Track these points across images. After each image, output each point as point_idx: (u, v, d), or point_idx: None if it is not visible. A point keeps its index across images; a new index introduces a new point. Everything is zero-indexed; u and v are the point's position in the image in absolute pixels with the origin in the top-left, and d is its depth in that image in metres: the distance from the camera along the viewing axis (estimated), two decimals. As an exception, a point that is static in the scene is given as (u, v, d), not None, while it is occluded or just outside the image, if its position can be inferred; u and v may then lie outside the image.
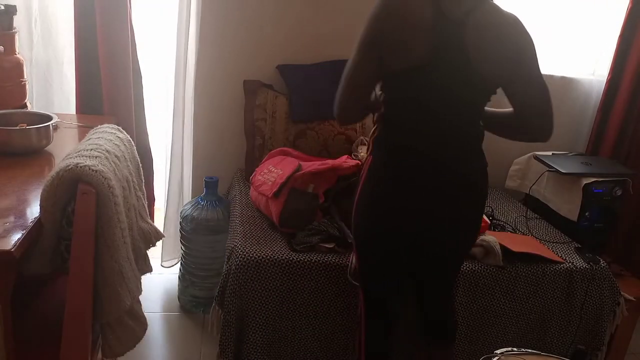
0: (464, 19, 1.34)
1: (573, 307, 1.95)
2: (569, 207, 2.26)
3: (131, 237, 1.40)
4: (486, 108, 1.51)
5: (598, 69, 2.72)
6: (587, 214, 2.22)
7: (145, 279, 1.55)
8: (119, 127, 1.57)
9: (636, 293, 2.13)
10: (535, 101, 1.41)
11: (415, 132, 1.45)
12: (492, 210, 2.25)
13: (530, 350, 1.34)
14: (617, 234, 2.50)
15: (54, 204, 1.20)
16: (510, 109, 1.45)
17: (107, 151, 1.34)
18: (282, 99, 2.31)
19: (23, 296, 1.27)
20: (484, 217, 1.94)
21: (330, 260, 1.79)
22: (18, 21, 1.95)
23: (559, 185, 2.31)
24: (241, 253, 1.75)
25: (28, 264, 1.22)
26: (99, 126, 1.53)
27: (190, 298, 2.34)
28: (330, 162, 1.97)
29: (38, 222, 1.21)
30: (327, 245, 1.82)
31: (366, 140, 1.98)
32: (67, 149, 1.38)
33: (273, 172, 1.99)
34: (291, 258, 1.77)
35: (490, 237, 1.90)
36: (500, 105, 1.51)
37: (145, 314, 1.51)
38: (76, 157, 1.23)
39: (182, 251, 2.35)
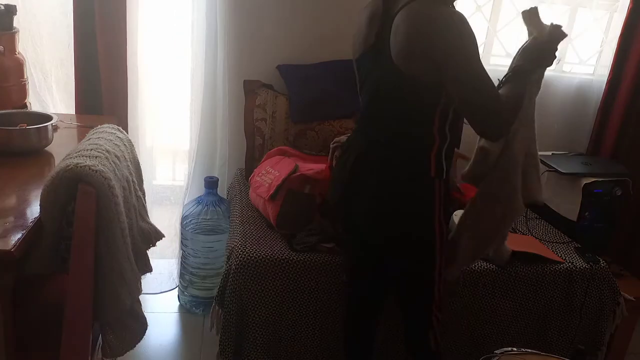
0: None
1: (573, 307, 1.95)
2: (569, 207, 2.26)
3: (131, 237, 1.40)
4: None
5: (598, 69, 2.72)
6: (587, 214, 2.21)
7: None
8: (119, 127, 1.57)
9: (636, 293, 2.13)
10: (469, 104, 1.35)
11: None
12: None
13: (530, 350, 1.34)
14: (617, 234, 2.50)
15: (54, 204, 1.20)
16: None
17: (107, 151, 1.34)
18: (282, 99, 2.31)
19: (23, 296, 1.27)
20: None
21: (330, 260, 1.79)
22: (18, 21, 1.95)
23: (559, 185, 2.31)
24: (241, 253, 1.75)
25: (28, 264, 1.22)
26: (99, 126, 1.53)
27: (190, 298, 2.34)
28: (327, 162, 1.96)
29: (38, 222, 1.21)
30: (327, 245, 1.82)
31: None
32: (67, 149, 1.38)
33: (270, 173, 1.99)
34: (291, 258, 1.77)
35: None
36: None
37: (145, 314, 1.51)
38: (76, 157, 1.23)
39: (182, 251, 2.35)
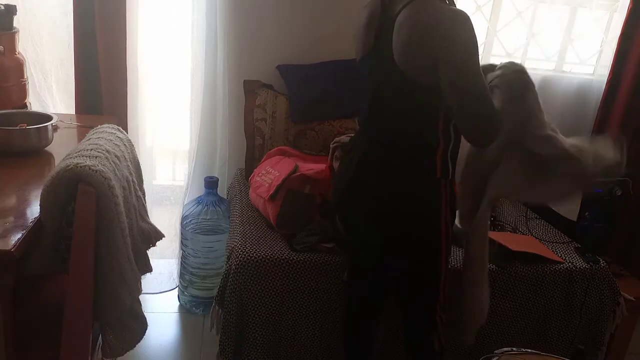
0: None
1: (573, 307, 1.95)
2: (569, 207, 2.26)
3: (131, 237, 1.40)
4: None
5: (598, 69, 2.72)
6: (587, 214, 2.22)
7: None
8: (119, 127, 1.57)
9: (636, 293, 2.13)
10: (461, 108, 1.33)
11: None
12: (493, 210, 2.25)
13: (530, 350, 1.34)
14: (617, 234, 2.50)
15: (54, 204, 1.20)
16: None
17: (107, 151, 1.34)
18: (282, 99, 2.31)
19: (23, 296, 1.27)
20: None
21: (330, 260, 1.79)
22: (18, 21, 1.95)
23: (559, 185, 2.31)
24: (241, 253, 1.75)
25: (28, 264, 1.22)
26: (99, 126, 1.53)
27: (190, 298, 2.34)
28: (327, 162, 1.97)
29: (38, 222, 1.21)
30: (326, 245, 1.82)
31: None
32: (67, 149, 1.38)
33: (270, 173, 1.99)
34: (291, 258, 1.77)
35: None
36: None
37: (145, 314, 1.51)
38: (76, 157, 1.23)
39: (182, 251, 2.35)
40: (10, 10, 1.88)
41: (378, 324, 1.75)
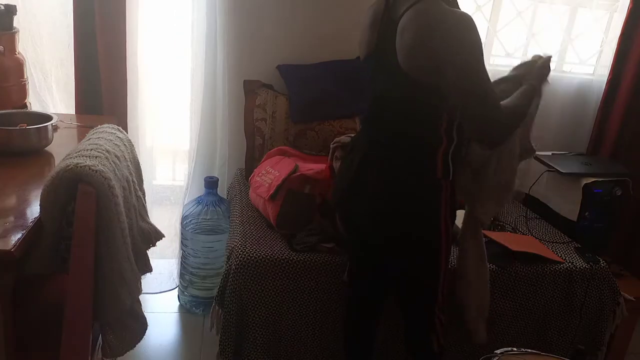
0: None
1: (573, 307, 1.95)
2: (569, 207, 2.26)
3: (131, 237, 1.40)
4: None
5: (598, 69, 2.72)
6: (587, 214, 2.22)
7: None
8: (119, 127, 1.57)
9: (636, 293, 2.13)
10: (466, 109, 1.33)
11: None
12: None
13: (530, 350, 1.34)
14: (617, 234, 2.50)
15: (54, 204, 1.20)
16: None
17: (107, 151, 1.34)
18: (282, 99, 2.31)
19: (23, 296, 1.27)
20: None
21: (330, 260, 1.79)
22: (18, 21, 1.95)
23: (558, 185, 2.31)
24: (241, 253, 1.75)
25: (28, 264, 1.22)
26: (99, 126, 1.53)
27: (190, 298, 2.34)
28: (327, 162, 1.97)
29: (38, 222, 1.21)
30: (327, 245, 1.82)
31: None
32: (67, 149, 1.38)
33: (270, 173, 1.99)
34: (291, 258, 1.77)
35: None
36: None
37: (145, 314, 1.51)
38: (76, 157, 1.23)
39: (182, 251, 2.35)
40: (10, 10, 1.88)
41: (378, 324, 1.75)
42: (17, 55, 1.92)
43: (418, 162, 1.42)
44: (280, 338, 1.81)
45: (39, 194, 1.20)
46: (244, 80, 2.32)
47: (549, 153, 2.47)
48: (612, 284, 1.98)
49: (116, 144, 1.44)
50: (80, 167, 1.18)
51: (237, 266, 1.73)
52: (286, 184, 1.88)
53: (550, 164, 2.33)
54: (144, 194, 1.62)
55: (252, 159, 2.30)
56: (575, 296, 1.94)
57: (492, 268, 1.86)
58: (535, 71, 1.50)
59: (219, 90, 2.39)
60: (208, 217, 2.24)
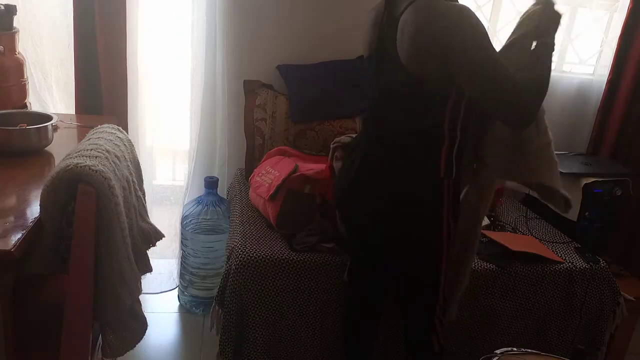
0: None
1: (573, 307, 1.95)
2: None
3: (131, 237, 1.40)
4: None
5: (598, 69, 2.72)
6: (587, 214, 2.22)
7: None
8: (119, 127, 1.57)
9: (636, 293, 2.13)
10: (489, 98, 1.33)
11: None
12: (493, 210, 2.25)
13: (530, 350, 1.34)
14: (617, 234, 2.50)
15: (54, 204, 1.20)
16: None
17: (107, 151, 1.34)
18: (282, 99, 2.31)
19: (23, 296, 1.27)
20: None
21: (330, 260, 1.79)
22: (18, 21, 1.95)
23: (559, 185, 2.31)
24: (241, 253, 1.75)
25: (28, 264, 1.22)
26: (99, 126, 1.53)
27: (190, 298, 2.34)
28: (327, 162, 1.97)
29: (38, 222, 1.21)
30: (327, 245, 1.83)
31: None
32: (67, 149, 1.38)
33: (270, 173, 1.99)
34: (291, 258, 1.77)
35: None
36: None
37: (145, 314, 1.51)
38: (76, 157, 1.23)
39: (182, 251, 2.35)
40: (10, 10, 1.88)
41: (378, 324, 1.75)
42: (17, 55, 1.92)
43: (419, 162, 1.42)
44: (280, 338, 1.81)
45: (39, 194, 1.20)
46: (244, 80, 2.32)
47: (549, 153, 2.46)
48: (612, 284, 1.98)
49: (116, 144, 1.44)
50: (80, 167, 1.18)
51: (237, 266, 1.73)
52: (286, 184, 1.88)
53: (550, 164, 2.33)
54: (144, 194, 1.62)
55: (252, 159, 2.30)
56: (575, 296, 1.94)
57: (492, 268, 1.86)
58: (543, 25, 1.44)
59: (219, 90, 2.39)
60: (208, 217, 2.24)
